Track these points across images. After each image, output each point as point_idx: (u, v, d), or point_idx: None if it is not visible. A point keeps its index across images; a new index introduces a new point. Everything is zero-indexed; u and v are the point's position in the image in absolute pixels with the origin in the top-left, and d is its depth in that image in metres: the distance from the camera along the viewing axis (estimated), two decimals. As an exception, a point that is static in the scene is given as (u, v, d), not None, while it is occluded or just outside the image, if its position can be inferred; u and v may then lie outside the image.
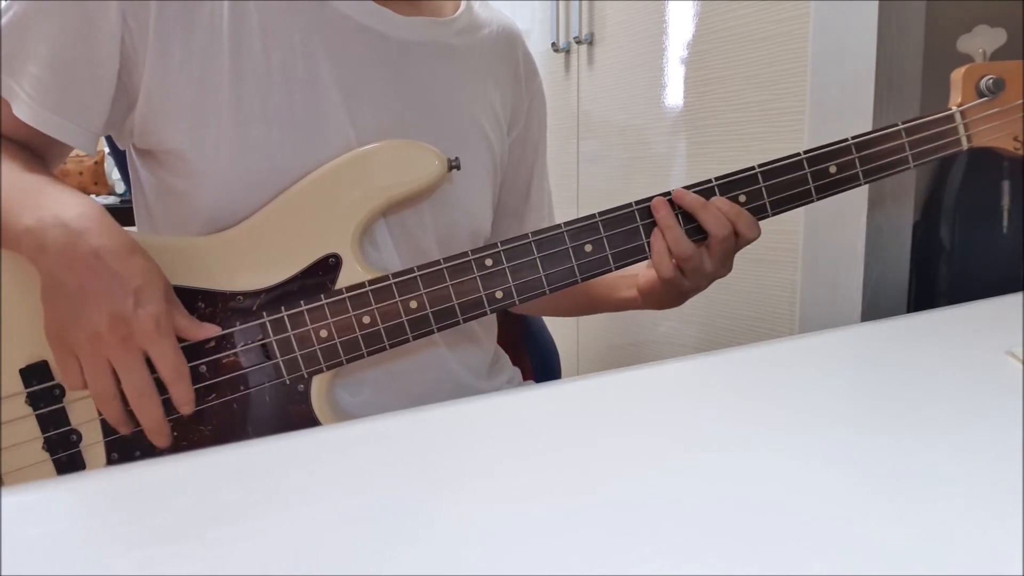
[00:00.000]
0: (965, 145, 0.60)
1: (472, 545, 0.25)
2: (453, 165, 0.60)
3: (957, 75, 0.61)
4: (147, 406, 0.51)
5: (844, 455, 0.30)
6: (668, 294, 0.64)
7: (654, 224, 0.58)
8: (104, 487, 0.31)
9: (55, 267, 0.49)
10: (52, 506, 0.29)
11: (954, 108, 0.60)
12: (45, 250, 0.49)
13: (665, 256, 0.59)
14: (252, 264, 0.57)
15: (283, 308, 0.56)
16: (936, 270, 0.95)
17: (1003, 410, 0.34)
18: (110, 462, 0.55)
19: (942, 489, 0.27)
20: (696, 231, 0.59)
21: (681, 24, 1.12)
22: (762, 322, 1.06)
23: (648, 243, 0.59)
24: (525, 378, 0.83)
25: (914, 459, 0.30)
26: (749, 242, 0.60)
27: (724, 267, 0.61)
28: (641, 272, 0.68)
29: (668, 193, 0.59)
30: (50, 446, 0.54)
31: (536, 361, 0.95)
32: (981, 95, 0.60)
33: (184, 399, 0.52)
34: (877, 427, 0.33)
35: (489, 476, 0.30)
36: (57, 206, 0.51)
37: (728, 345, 0.63)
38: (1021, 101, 0.60)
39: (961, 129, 0.60)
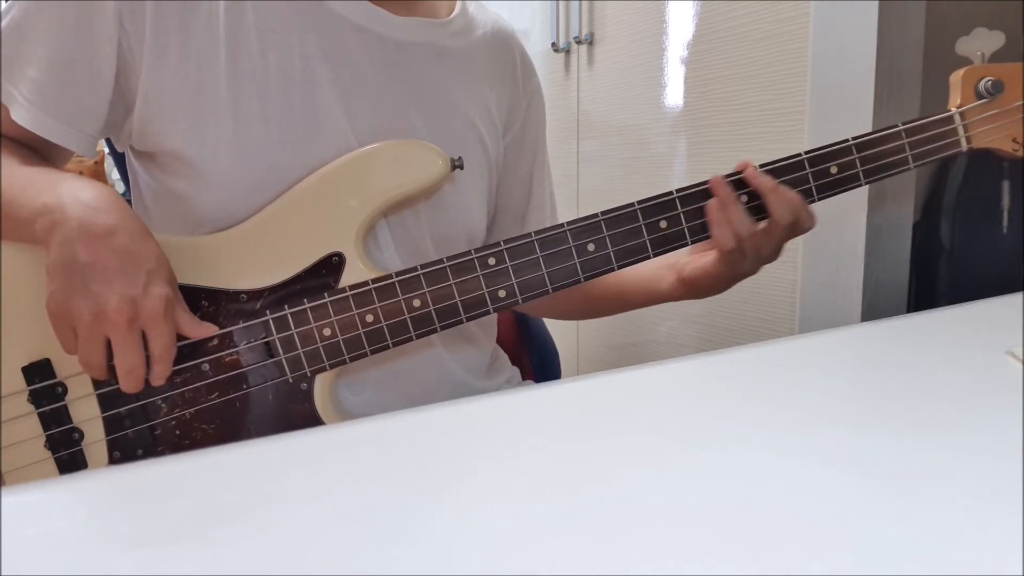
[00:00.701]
0: (964, 146, 0.61)
1: (472, 545, 0.25)
2: (456, 164, 0.60)
3: (956, 77, 0.61)
4: (134, 381, 0.51)
5: (844, 455, 0.30)
6: (721, 279, 0.63)
7: (656, 223, 0.58)
8: (104, 487, 0.31)
9: (68, 240, 0.48)
10: (52, 506, 0.29)
11: (953, 109, 0.61)
12: (61, 225, 0.49)
13: (727, 229, 0.58)
14: (256, 263, 0.57)
15: (286, 307, 0.56)
16: (936, 270, 0.95)
17: (1003, 410, 0.34)
18: (112, 460, 0.55)
19: (942, 489, 0.27)
20: (754, 211, 0.59)
21: (681, 24, 1.12)
22: (762, 322, 1.06)
23: (648, 240, 0.58)
24: (525, 378, 0.83)
25: (914, 459, 0.30)
26: (805, 231, 0.60)
27: (776, 253, 0.61)
28: (682, 260, 0.67)
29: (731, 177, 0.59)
30: (52, 444, 0.54)
31: (536, 361, 0.96)
32: (980, 97, 0.60)
33: (161, 378, 0.52)
34: (877, 427, 0.33)
35: (489, 476, 0.30)
36: (75, 188, 0.51)
37: (728, 345, 0.63)
38: (1020, 103, 0.61)
39: (960, 130, 0.61)
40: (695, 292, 0.67)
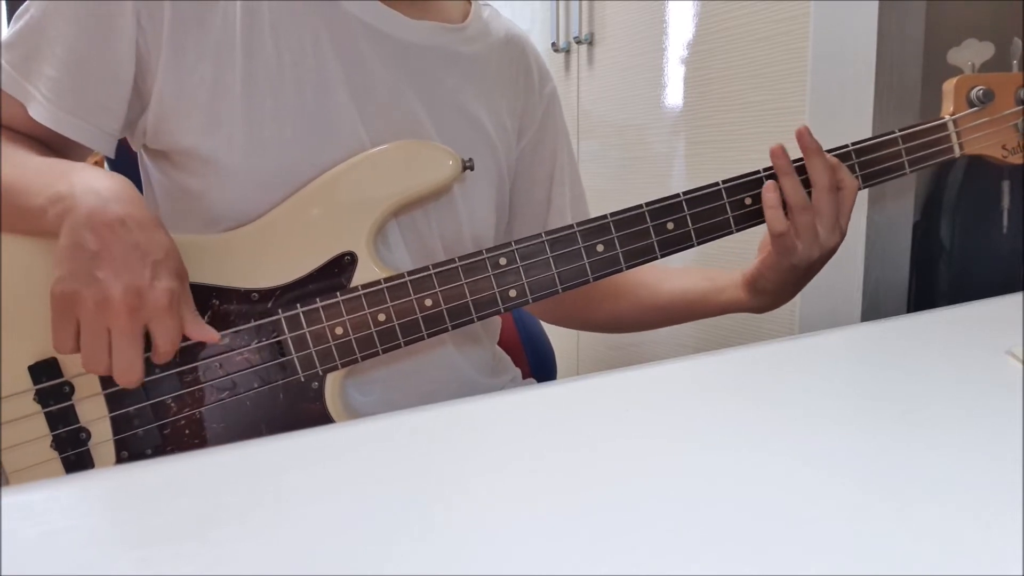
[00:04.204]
0: (957, 153, 0.63)
1: (473, 546, 0.25)
2: (467, 166, 0.60)
3: (949, 86, 0.63)
4: (130, 382, 0.49)
5: (844, 455, 0.30)
6: (780, 268, 0.61)
7: (663, 225, 0.59)
8: (105, 487, 0.31)
9: (77, 227, 0.48)
10: (53, 506, 0.29)
11: (947, 117, 0.63)
12: (72, 212, 0.48)
13: (778, 209, 0.58)
14: (267, 261, 0.57)
15: (298, 305, 0.56)
16: (936, 270, 0.95)
17: (1003, 410, 0.34)
18: (119, 460, 0.55)
19: (942, 489, 0.27)
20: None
21: (681, 24, 1.12)
22: (762, 322, 1.06)
23: (656, 242, 0.59)
24: (524, 378, 0.83)
25: (914, 459, 0.30)
26: (852, 195, 0.60)
27: (834, 233, 0.60)
28: (745, 268, 0.67)
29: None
30: (59, 444, 0.54)
31: (533, 362, 0.96)
32: (972, 105, 0.62)
33: (163, 361, 0.51)
34: (877, 427, 0.33)
35: (490, 476, 0.30)
36: (88, 176, 0.51)
37: (728, 345, 0.63)
38: (1010, 111, 0.62)
39: (954, 137, 0.62)
40: (759, 294, 0.66)
